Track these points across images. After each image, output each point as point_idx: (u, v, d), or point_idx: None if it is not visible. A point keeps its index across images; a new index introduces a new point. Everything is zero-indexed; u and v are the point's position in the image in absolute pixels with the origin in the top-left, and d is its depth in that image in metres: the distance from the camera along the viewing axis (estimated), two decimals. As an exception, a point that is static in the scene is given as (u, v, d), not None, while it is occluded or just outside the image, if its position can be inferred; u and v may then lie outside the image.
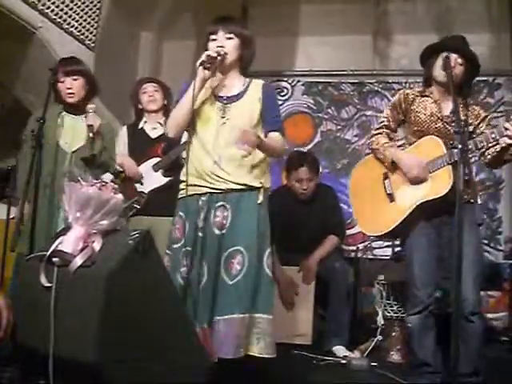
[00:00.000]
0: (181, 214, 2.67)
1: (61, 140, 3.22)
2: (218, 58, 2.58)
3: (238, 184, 2.60)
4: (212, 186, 2.59)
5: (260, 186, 2.65)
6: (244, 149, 2.54)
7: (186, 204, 2.66)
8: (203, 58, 2.56)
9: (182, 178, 2.70)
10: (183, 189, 2.67)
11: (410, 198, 2.79)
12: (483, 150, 2.71)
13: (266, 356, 2.52)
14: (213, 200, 2.61)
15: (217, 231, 2.57)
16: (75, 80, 3.27)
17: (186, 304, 2.49)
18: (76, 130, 3.24)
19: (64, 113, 3.29)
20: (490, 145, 2.67)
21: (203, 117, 2.65)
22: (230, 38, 2.66)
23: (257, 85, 2.73)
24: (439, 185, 2.68)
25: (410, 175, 2.80)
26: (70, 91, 3.25)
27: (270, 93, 2.80)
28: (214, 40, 2.66)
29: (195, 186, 2.62)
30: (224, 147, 2.60)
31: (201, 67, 2.55)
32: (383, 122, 2.98)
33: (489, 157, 2.76)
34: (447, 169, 2.67)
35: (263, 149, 2.60)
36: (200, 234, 2.57)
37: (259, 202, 2.63)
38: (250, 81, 2.74)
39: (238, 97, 2.69)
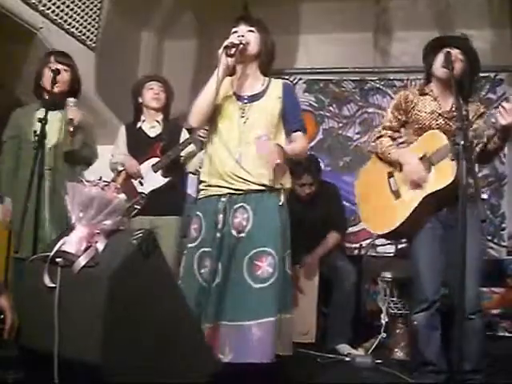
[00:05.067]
0: (198, 213, 2.66)
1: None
2: (240, 45, 2.56)
3: (258, 184, 2.59)
4: (232, 186, 2.58)
5: (280, 187, 2.64)
6: (259, 148, 2.55)
7: (205, 204, 2.65)
8: (226, 43, 2.55)
9: (202, 178, 2.70)
10: (203, 189, 2.68)
11: (415, 193, 2.78)
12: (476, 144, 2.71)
13: (290, 354, 2.54)
14: (232, 201, 2.60)
15: (235, 233, 2.57)
16: (64, 70, 3.23)
17: (206, 305, 2.49)
18: (53, 125, 3.15)
19: (41, 109, 3.19)
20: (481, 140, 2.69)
21: (224, 115, 2.64)
22: (251, 31, 2.66)
23: (277, 84, 2.73)
24: (442, 176, 2.67)
25: (409, 180, 2.80)
26: (58, 78, 3.16)
27: (291, 92, 2.80)
28: (236, 32, 2.66)
29: (215, 186, 2.62)
30: (244, 147, 2.60)
31: (224, 55, 2.54)
32: (384, 124, 2.99)
33: (477, 149, 2.75)
34: (449, 160, 2.65)
35: (286, 156, 2.57)
36: (218, 235, 2.56)
37: (280, 203, 2.62)
38: (269, 80, 2.74)
39: (258, 96, 2.68)
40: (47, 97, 3.23)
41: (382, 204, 2.93)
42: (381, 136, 2.98)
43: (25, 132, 3.19)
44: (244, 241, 2.56)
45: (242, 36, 2.62)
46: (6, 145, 3.29)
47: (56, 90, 3.16)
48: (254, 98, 2.68)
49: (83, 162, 3.27)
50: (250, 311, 2.49)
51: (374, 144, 3.00)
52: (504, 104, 2.55)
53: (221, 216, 2.58)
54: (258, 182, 2.59)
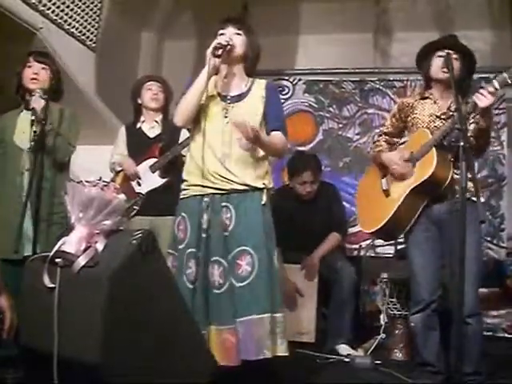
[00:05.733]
0: (183, 214, 2.67)
1: (17, 138, 3.13)
2: (228, 46, 2.60)
3: (241, 184, 2.60)
4: (215, 186, 2.59)
5: (263, 186, 2.65)
6: (243, 144, 2.57)
7: (188, 205, 2.66)
8: (213, 45, 2.58)
9: (185, 177, 2.70)
10: (185, 189, 2.68)
11: (401, 189, 2.84)
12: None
13: (286, 354, 2.55)
14: (215, 201, 2.61)
15: (220, 233, 2.58)
16: (43, 69, 3.18)
17: (196, 305, 2.50)
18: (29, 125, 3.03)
19: (24, 111, 3.18)
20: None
21: (208, 114, 2.66)
22: (238, 34, 2.69)
23: (260, 84, 2.75)
24: (424, 169, 2.73)
25: (393, 172, 2.91)
26: (34, 76, 3.14)
27: (273, 92, 2.82)
28: (222, 34, 2.68)
29: (198, 186, 2.62)
30: (227, 147, 2.61)
31: (211, 55, 2.57)
32: (383, 130, 3.08)
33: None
34: (431, 152, 2.72)
35: (263, 145, 2.60)
36: (203, 235, 2.58)
37: (263, 202, 2.63)
38: (253, 80, 2.76)
39: (241, 97, 2.70)
40: (29, 97, 3.16)
41: (372, 203, 3.02)
42: (377, 141, 3.07)
43: (9, 135, 3.16)
44: (227, 240, 2.58)
45: (230, 39, 2.64)
46: None
47: (34, 86, 3.11)
48: (238, 98, 2.70)
49: (52, 152, 3.08)
50: (233, 311, 2.51)
51: (371, 150, 3.14)
52: (482, 91, 2.63)
53: (205, 216, 2.59)
54: (240, 182, 2.60)
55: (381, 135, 3.08)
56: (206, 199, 2.62)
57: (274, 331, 2.52)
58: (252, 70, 2.78)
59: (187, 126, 2.80)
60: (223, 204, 2.60)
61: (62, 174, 3.18)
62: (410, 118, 2.92)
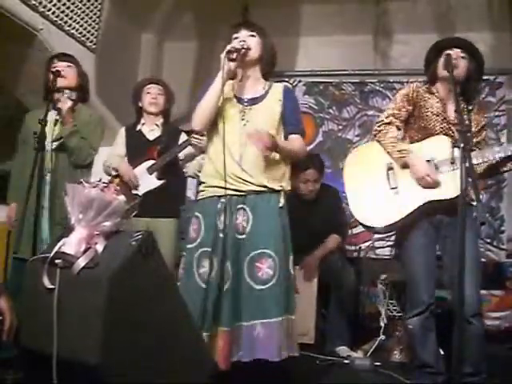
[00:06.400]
0: (197, 214, 2.67)
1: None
2: (242, 50, 2.60)
3: (258, 186, 2.61)
4: (232, 187, 2.60)
5: (280, 188, 2.67)
6: (261, 151, 2.57)
7: (204, 205, 2.67)
8: (228, 48, 2.58)
9: (203, 179, 2.72)
10: (203, 190, 2.70)
11: (416, 195, 2.74)
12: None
13: (296, 354, 2.58)
14: (232, 202, 2.62)
15: (236, 234, 2.59)
16: (69, 66, 3.22)
17: (207, 306, 2.51)
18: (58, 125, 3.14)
19: (51, 111, 3.19)
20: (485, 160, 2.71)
21: (225, 117, 2.67)
22: (252, 36, 2.70)
23: (277, 87, 2.77)
24: (448, 186, 2.64)
25: (420, 182, 2.73)
26: (62, 73, 3.17)
27: (291, 95, 2.85)
28: (236, 38, 2.68)
29: (215, 187, 2.63)
30: (244, 148, 2.62)
31: (226, 59, 2.57)
32: (393, 110, 2.89)
33: (479, 169, 2.77)
34: (457, 172, 2.57)
35: (281, 151, 2.63)
36: (221, 235, 2.58)
37: (281, 205, 2.65)
38: (270, 84, 2.77)
39: (258, 99, 2.71)
40: (57, 97, 3.21)
41: (376, 197, 2.84)
42: (388, 123, 2.88)
43: (31, 135, 3.18)
44: (244, 242, 2.59)
45: (244, 41, 2.64)
46: (19, 149, 3.31)
47: (62, 84, 3.15)
48: (255, 101, 2.71)
49: (73, 153, 3.15)
50: (253, 312, 2.52)
51: (378, 129, 2.90)
52: None
53: (222, 217, 2.60)
54: (258, 184, 2.61)
55: (390, 116, 2.87)
56: (222, 200, 2.62)
57: (290, 332, 2.55)
58: (268, 72, 2.79)
59: (205, 130, 2.79)
60: (240, 206, 2.62)
61: (81, 174, 3.17)
62: (417, 109, 2.84)
